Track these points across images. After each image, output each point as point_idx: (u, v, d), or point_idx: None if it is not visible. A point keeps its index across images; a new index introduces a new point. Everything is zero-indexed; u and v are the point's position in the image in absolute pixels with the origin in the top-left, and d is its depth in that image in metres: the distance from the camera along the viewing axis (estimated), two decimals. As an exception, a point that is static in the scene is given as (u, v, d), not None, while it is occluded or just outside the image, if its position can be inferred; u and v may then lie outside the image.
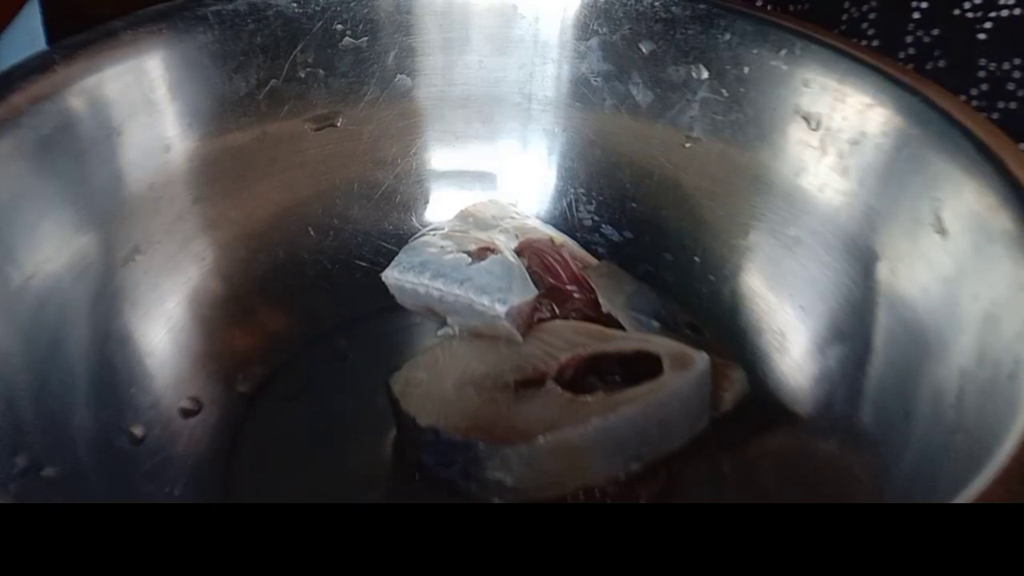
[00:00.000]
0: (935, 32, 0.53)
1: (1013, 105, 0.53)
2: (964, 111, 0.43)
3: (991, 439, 0.35)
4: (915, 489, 0.39)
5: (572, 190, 0.55)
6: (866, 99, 0.45)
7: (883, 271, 0.44)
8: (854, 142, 0.46)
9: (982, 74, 0.53)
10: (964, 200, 0.41)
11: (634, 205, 0.54)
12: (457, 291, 0.45)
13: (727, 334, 0.50)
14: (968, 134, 0.41)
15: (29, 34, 0.58)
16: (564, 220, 0.55)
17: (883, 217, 0.45)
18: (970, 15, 0.52)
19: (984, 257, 0.39)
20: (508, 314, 0.44)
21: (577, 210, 0.55)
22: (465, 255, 0.46)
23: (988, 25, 0.52)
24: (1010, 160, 0.40)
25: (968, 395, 0.38)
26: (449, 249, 0.46)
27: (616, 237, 0.54)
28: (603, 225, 0.54)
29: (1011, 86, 0.53)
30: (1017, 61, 0.52)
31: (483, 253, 0.46)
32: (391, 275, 0.46)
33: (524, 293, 0.45)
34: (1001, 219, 0.39)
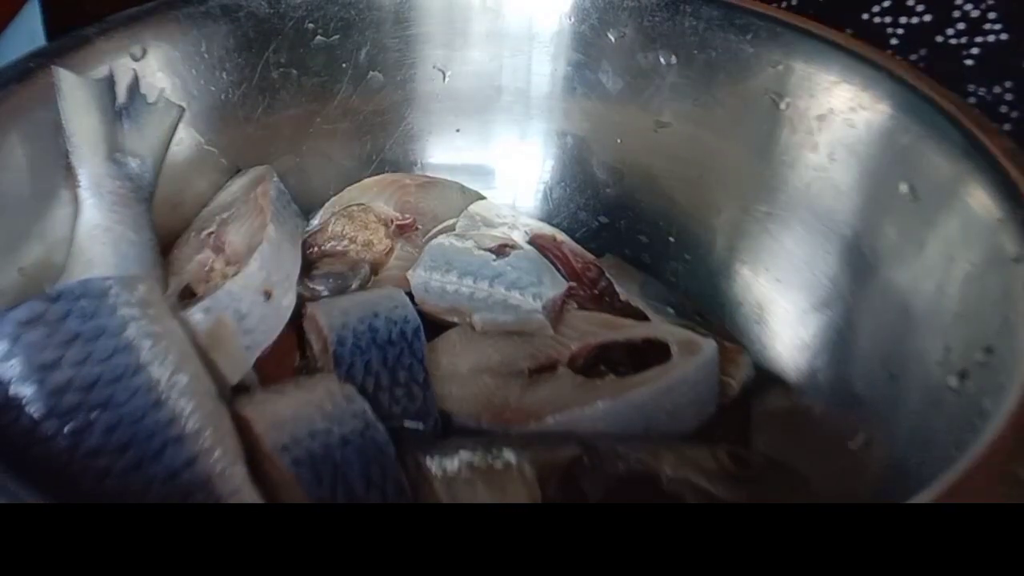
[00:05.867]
0: (912, 58, 0.54)
1: (1008, 127, 0.54)
2: (929, 83, 0.45)
3: (982, 396, 0.37)
4: (911, 450, 0.41)
5: (546, 178, 0.56)
6: (832, 77, 0.47)
7: (857, 240, 0.47)
8: (822, 118, 0.48)
9: (972, 100, 0.54)
10: (934, 168, 0.43)
11: (608, 190, 0.55)
12: (488, 288, 0.45)
13: (706, 309, 0.51)
14: (935, 104, 0.43)
15: (29, 34, 0.56)
16: (540, 208, 0.56)
17: (854, 189, 0.47)
18: (954, 41, 0.53)
19: (957, 221, 0.42)
20: (544, 308, 0.45)
21: (552, 197, 0.56)
22: (488, 252, 0.46)
23: (975, 51, 0.53)
24: (977, 127, 0.42)
25: (955, 354, 0.40)
26: (471, 247, 0.46)
27: (592, 222, 0.55)
28: (579, 211, 0.55)
29: (1004, 108, 0.54)
30: (1008, 84, 0.54)
31: (504, 250, 0.46)
32: (417, 275, 0.46)
33: (556, 286, 0.46)
34: (971, 184, 0.41)
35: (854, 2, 0.55)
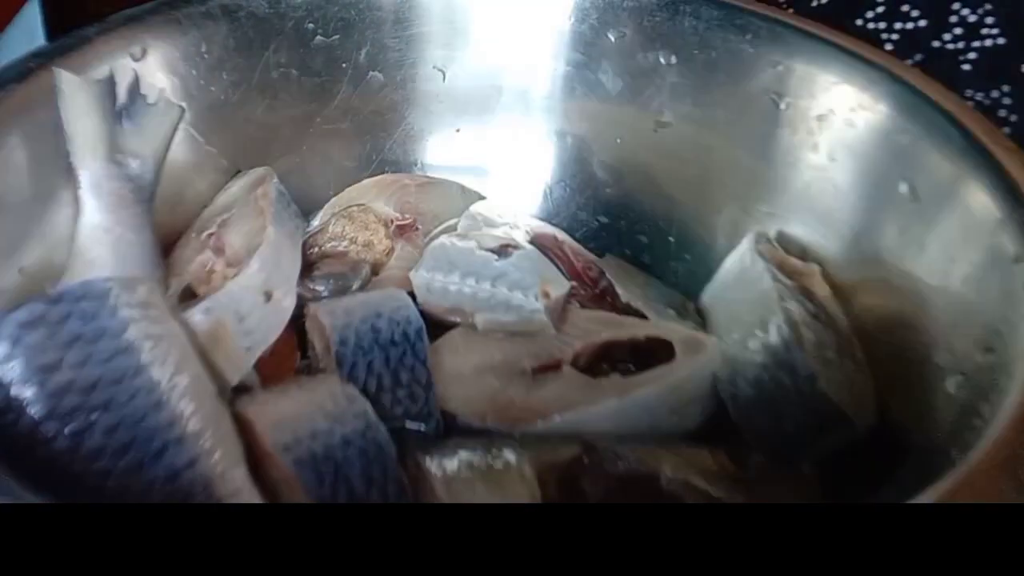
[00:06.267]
0: (908, 63, 0.53)
1: (1007, 131, 0.54)
2: (927, 82, 0.45)
3: (982, 396, 0.37)
4: (912, 450, 0.41)
5: (546, 178, 0.56)
6: (832, 77, 0.47)
7: (857, 240, 0.47)
8: (822, 118, 0.48)
9: (970, 104, 0.54)
10: (934, 168, 0.43)
11: (608, 190, 0.55)
12: (491, 288, 0.45)
13: (706, 310, 0.51)
14: (935, 104, 0.43)
15: (29, 33, 0.57)
16: (540, 208, 0.56)
17: (854, 189, 0.47)
18: (951, 46, 0.53)
19: (957, 221, 0.42)
20: (547, 308, 0.45)
21: (552, 197, 0.56)
22: (490, 253, 0.46)
23: (972, 56, 0.53)
24: (977, 127, 0.42)
25: (955, 354, 0.40)
26: (473, 247, 0.46)
27: (592, 222, 0.55)
28: (579, 211, 0.55)
29: (1003, 113, 0.55)
30: (1006, 88, 0.54)
31: (506, 250, 0.46)
32: (419, 275, 0.46)
33: (559, 286, 0.46)
34: (971, 184, 0.41)
35: (848, 7, 0.55)
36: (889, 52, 0.54)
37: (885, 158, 0.45)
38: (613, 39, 0.52)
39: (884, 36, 0.54)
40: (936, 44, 0.54)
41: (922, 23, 0.53)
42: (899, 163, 0.44)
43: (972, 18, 0.52)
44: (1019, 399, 0.33)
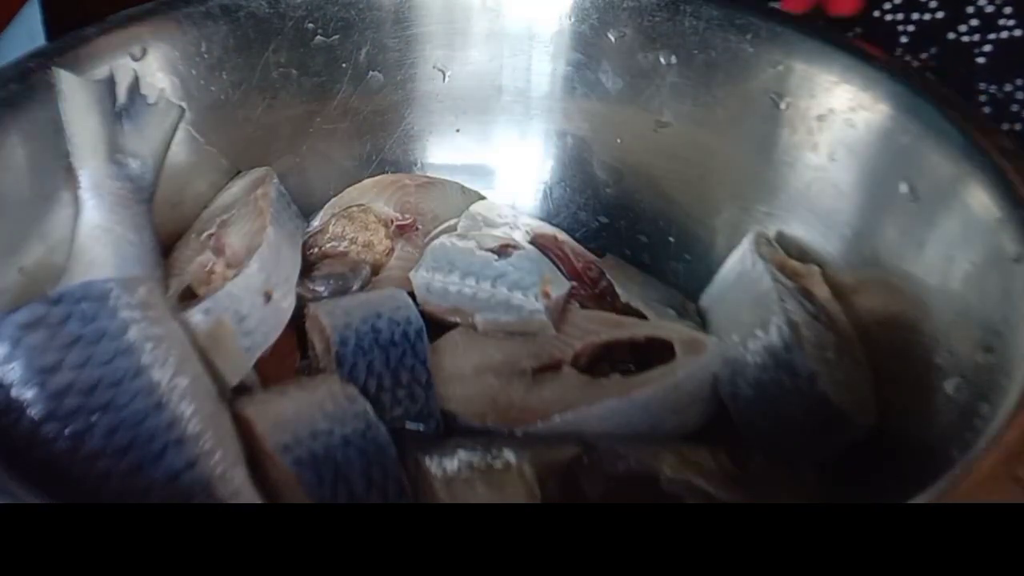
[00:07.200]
0: (923, 56, 0.54)
1: (1018, 126, 0.54)
2: (928, 83, 0.45)
3: (982, 397, 0.37)
4: (911, 450, 0.41)
5: (546, 178, 0.56)
6: (832, 77, 0.47)
7: (857, 240, 0.47)
8: (822, 118, 0.48)
9: (983, 98, 0.54)
10: (934, 168, 0.43)
11: (608, 190, 0.55)
12: (491, 288, 0.45)
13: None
14: (935, 104, 0.43)
15: (29, 34, 0.57)
16: (540, 208, 0.56)
17: (854, 189, 0.47)
18: (966, 39, 0.53)
19: (957, 221, 0.42)
20: (547, 308, 0.45)
21: (552, 197, 0.56)
22: (490, 253, 0.46)
23: (988, 48, 0.53)
24: (977, 126, 0.42)
25: (955, 354, 0.40)
26: (473, 247, 0.46)
27: (592, 222, 0.55)
28: (579, 211, 0.55)
29: (1015, 107, 0.54)
30: (1020, 82, 0.54)
31: (506, 250, 0.46)
32: (419, 275, 0.46)
33: (559, 287, 0.46)
34: (971, 184, 0.41)
35: None
36: (904, 45, 0.54)
37: (885, 158, 0.45)
38: (613, 39, 0.52)
39: (900, 28, 0.54)
40: (951, 36, 0.53)
41: (940, 14, 0.53)
42: (899, 163, 0.44)
43: (990, 8, 0.52)
44: (1019, 399, 0.33)
